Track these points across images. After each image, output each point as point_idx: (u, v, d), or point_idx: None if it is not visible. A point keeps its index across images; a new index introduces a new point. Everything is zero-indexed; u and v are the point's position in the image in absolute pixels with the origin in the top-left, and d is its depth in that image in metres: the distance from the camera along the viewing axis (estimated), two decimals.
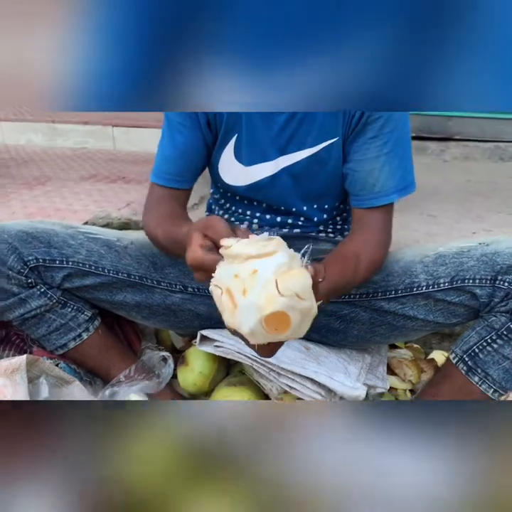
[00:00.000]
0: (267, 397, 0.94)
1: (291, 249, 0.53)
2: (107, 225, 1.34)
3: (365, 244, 0.82)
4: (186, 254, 0.60)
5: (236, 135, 0.86)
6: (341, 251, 0.82)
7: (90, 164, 2.29)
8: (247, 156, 0.88)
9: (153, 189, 0.91)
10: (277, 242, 0.52)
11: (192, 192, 0.95)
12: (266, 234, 0.55)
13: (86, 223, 1.39)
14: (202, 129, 0.85)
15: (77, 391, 0.84)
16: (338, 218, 0.99)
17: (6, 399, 0.70)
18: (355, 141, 0.82)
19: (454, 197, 1.88)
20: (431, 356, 1.11)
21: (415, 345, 1.14)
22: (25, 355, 0.74)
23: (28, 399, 0.71)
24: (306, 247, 0.55)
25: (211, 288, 0.54)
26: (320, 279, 0.53)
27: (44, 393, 0.74)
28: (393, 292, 0.87)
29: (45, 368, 0.79)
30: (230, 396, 0.92)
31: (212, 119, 0.85)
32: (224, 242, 0.54)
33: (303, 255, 0.53)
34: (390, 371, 1.03)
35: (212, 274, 0.55)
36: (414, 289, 0.85)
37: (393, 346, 1.11)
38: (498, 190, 1.96)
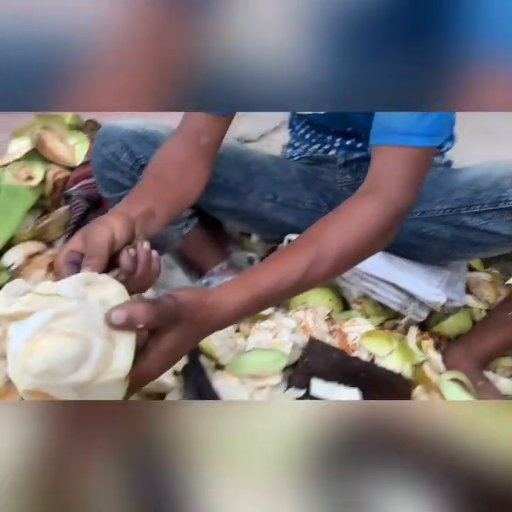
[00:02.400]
0: (344, 300, 1.01)
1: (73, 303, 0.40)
2: None
3: None
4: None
5: None
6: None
7: None
8: None
9: None
10: (34, 298, 0.40)
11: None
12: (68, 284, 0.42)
13: None
14: None
15: (179, 276, 0.95)
16: None
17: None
18: None
19: None
20: (509, 282, 1.12)
21: (494, 271, 1.15)
22: None
23: None
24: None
25: None
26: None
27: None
28: (478, 207, 0.87)
29: None
30: (310, 296, 0.99)
31: None
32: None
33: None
34: (468, 291, 1.06)
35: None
36: (501, 204, 0.84)
37: (472, 269, 1.13)
38: None
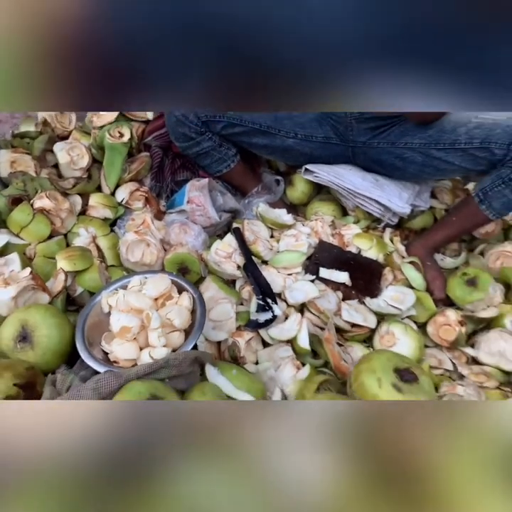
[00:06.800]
0: (343, 208, 1.45)
1: None
2: None
3: None
4: None
5: None
6: None
7: None
8: None
9: None
10: None
11: None
12: None
13: None
14: None
15: (229, 200, 1.39)
16: None
17: (199, 205, 1.26)
18: None
19: None
20: (466, 187, 1.53)
21: (457, 178, 1.55)
22: (207, 179, 1.27)
23: (210, 203, 1.26)
24: None
25: None
26: None
27: (219, 201, 1.30)
28: (442, 145, 1.26)
29: (213, 185, 1.33)
30: (320, 207, 1.44)
31: None
32: None
33: None
34: (433, 195, 1.48)
35: None
36: (456, 145, 1.23)
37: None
38: None
